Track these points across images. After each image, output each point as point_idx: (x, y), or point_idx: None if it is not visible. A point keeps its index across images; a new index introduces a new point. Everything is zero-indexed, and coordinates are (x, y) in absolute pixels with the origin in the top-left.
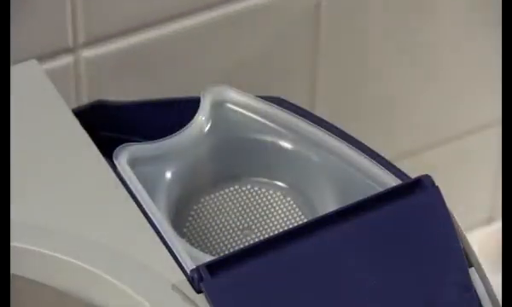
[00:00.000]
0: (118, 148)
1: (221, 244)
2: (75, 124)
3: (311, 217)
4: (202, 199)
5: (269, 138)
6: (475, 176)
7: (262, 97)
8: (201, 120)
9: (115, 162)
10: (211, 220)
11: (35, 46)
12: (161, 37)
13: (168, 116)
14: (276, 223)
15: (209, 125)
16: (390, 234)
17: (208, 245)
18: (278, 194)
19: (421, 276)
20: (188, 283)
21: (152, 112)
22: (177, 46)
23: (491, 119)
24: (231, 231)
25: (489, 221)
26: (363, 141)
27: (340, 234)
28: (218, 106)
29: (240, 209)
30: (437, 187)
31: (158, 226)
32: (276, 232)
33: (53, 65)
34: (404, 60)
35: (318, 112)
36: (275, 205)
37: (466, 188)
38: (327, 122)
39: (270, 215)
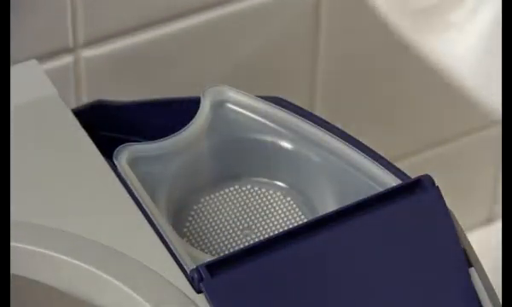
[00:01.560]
0: (118, 148)
1: (221, 244)
2: (75, 124)
3: (311, 217)
4: (202, 199)
5: (269, 138)
6: (475, 176)
7: (262, 97)
8: (201, 120)
9: (115, 162)
10: (211, 220)
11: (35, 46)
12: (161, 37)
13: (168, 116)
14: (276, 222)
15: (209, 125)
16: (390, 234)
17: (208, 245)
18: (278, 194)
19: (421, 276)
20: (188, 283)
21: (152, 112)
22: (176, 46)
23: (491, 119)
24: (231, 231)
25: (489, 221)
26: (363, 142)
27: (339, 234)
28: (218, 106)
29: (240, 209)
30: (437, 187)
31: (158, 226)
32: (276, 232)
33: (53, 65)
34: (404, 60)
35: (318, 113)
36: (275, 205)
37: (466, 188)
38: (327, 122)
39: (270, 215)
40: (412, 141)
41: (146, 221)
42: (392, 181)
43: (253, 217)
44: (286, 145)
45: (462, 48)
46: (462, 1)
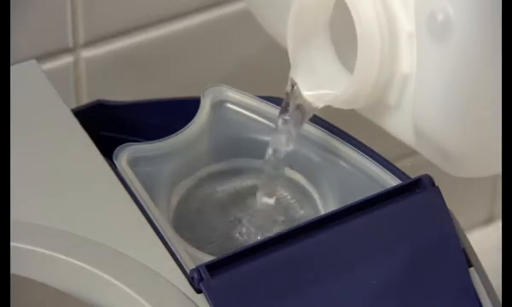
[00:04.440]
0: (118, 148)
1: (221, 243)
2: (75, 124)
3: (311, 217)
4: (202, 199)
5: (269, 138)
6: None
7: (262, 97)
8: (201, 120)
9: (115, 162)
10: (211, 220)
11: (35, 46)
12: (161, 37)
13: (168, 116)
14: (276, 222)
15: (209, 125)
16: (390, 234)
17: (208, 244)
18: (278, 193)
19: (421, 276)
20: (188, 283)
21: (152, 112)
22: (177, 46)
23: None
24: (231, 231)
25: (489, 221)
26: (363, 142)
27: (340, 233)
28: (218, 106)
29: (240, 209)
30: (437, 187)
31: (158, 226)
32: (276, 232)
33: (53, 65)
34: None
35: (318, 113)
36: (275, 204)
37: (466, 188)
38: (327, 122)
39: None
40: None
41: (146, 221)
42: (392, 181)
43: (253, 217)
44: None
45: None
46: None
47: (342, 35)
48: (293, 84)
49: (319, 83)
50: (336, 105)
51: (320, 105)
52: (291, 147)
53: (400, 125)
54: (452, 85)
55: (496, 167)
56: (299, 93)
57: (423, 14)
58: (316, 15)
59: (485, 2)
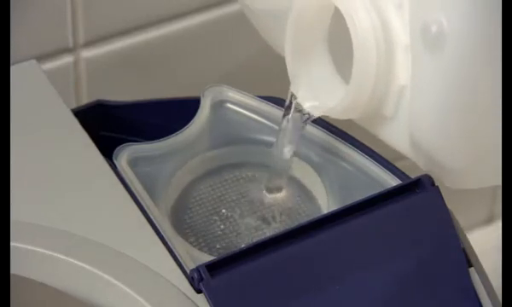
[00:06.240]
0: (118, 148)
1: (222, 243)
2: (75, 124)
3: (311, 217)
4: (202, 199)
5: (269, 138)
6: None
7: (262, 97)
8: (201, 120)
9: (115, 162)
10: (211, 220)
11: (35, 46)
12: (161, 38)
13: (168, 116)
14: (276, 224)
15: (209, 125)
16: (390, 234)
17: (208, 244)
18: (278, 194)
19: (421, 276)
20: (188, 283)
21: (152, 112)
22: (176, 46)
23: None
24: (231, 231)
25: (489, 221)
26: (363, 142)
27: (340, 233)
28: (218, 106)
29: (241, 209)
30: (437, 187)
31: (158, 226)
32: (276, 230)
33: (53, 65)
34: None
35: None
36: (276, 205)
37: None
38: (327, 122)
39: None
40: None
41: (146, 221)
42: (392, 181)
43: (253, 218)
44: None
45: None
46: None
47: (340, 46)
48: (292, 95)
49: (317, 94)
50: (333, 115)
51: (317, 114)
52: (293, 148)
53: (396, 136)
54: (447, 96)
55: (492, 179)
56: (298, 103)
57: (417, 25)
58: (313, 27)
59: (479, 13)
